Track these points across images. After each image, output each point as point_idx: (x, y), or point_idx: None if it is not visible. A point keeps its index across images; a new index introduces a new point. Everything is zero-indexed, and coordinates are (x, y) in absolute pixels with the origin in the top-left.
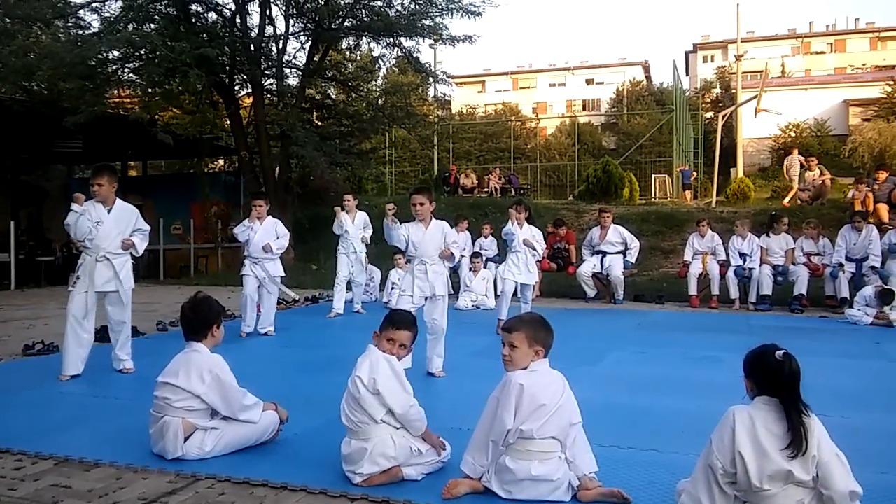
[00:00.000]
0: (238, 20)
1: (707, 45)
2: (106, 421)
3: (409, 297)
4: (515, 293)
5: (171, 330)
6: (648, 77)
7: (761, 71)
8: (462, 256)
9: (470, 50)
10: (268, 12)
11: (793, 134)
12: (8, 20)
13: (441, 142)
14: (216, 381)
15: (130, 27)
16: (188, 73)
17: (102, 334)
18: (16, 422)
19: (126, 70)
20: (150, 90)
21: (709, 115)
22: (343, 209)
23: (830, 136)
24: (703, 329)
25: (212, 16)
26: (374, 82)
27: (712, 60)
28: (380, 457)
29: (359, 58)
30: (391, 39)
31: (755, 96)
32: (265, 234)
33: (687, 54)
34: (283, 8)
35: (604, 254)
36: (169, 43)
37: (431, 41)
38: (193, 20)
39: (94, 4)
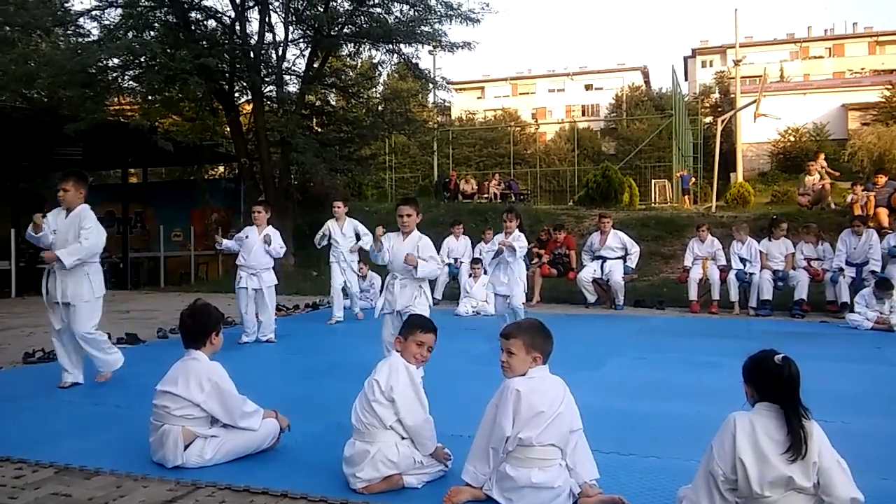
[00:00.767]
0: (237, 27)
1: (706, 50)
2: (106, 429)
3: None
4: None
5: (172, 337)
6: (647, 82)
7: (760, 76)
8: (461, 262)
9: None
10: (267, 19)
11: (792, 139)
12: (8, 28)
13: (441, 148)
14: (215, 389)
15: (130, 35)
16: (188, 81)
17: None
18: (16, 430)
19: (126, 77)
20: (150, 97)
21: (708, 119)
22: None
23: (829, 140)
24: (703, 334)
25: (211, 23)
26: (373, 89)
27: (711, 65)
28: (381, 462)
29: (358, 64)
30: (390, 46)
31: (754, 101)
32: (259, 241)
33: (686, 59)
34: (283, 15)
35: (604, 259)
36: (169, 50)
37: (431, 47)
38: (193, 27)
39: (93, 12)
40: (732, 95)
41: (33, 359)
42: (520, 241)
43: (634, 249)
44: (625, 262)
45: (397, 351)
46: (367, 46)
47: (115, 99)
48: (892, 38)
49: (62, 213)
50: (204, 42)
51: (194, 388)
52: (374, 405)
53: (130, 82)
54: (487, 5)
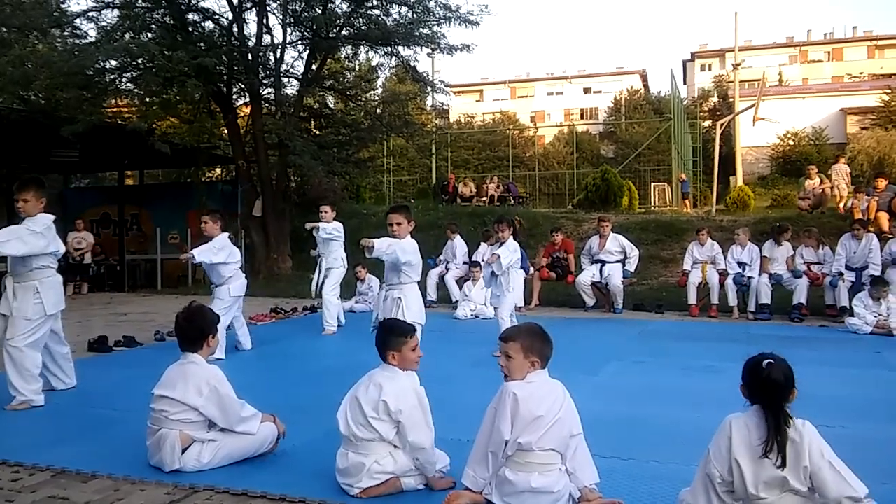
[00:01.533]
0: (235, 29)
1: (705, 54)
2: (103, 433)
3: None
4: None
5: (169, 340)
6: (646, 86)
7: (759, 79)
8: (451, 263)
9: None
10: (265, 21)
11: (791, 142)
12: (4, 29)
13: (439, 150)
14: (214, 394)
15: (127, 36)
16: (186, 83)
17: (99, 346)
18: (13, 433)
19: (123, 79)
20: (147, 99)
21: (707, 123)
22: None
23: (828, 144)
24: (702, 338)
25: (209, 25)
26: (371, 91)
27: (710, 69)
28: (378, 473)
29: (357, 67)
30: (389, 48)
31: (753, 105)
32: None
33: (684, 63)
34: (281, 17)
35: (603, 263)
36: (166, 52)
37: (429, 50)
38: (190, 29)
39: (90, 14)
40: (731, 99)
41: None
42: (507, 251)
43: (633, 253)
44: (624, 265)
45: (392, 365)
46: (366, 49)
47: (113, 101)
48: (892, 42)
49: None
50: (201, 44)
51: (193, 393)
52: (372, 421)
53: (128, 84)
54: (486, 8)
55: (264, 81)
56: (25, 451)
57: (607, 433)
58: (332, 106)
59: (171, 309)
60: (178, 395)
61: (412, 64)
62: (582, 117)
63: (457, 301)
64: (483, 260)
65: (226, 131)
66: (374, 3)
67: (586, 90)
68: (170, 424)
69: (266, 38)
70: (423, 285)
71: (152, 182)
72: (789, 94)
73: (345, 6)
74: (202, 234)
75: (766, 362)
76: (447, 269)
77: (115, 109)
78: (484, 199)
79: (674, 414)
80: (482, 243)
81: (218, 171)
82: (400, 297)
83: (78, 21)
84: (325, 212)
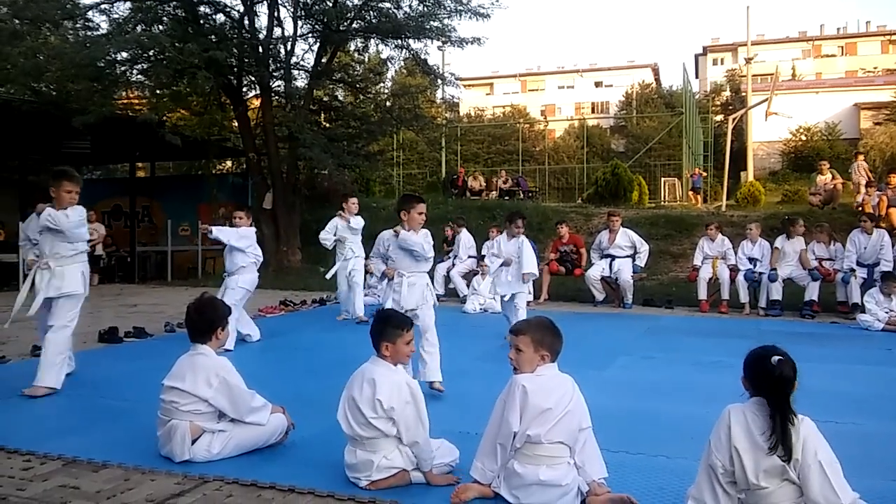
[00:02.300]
0: (246, 22)
1: (717, 48)
2: (114, 423)
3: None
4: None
5: (179, 331)
6: (658, 80)
7: (772, 74)
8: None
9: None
10: (276, 14)
11: (803, 138)
12: (17, 21)
13: (449, 144)
14: (224, 385)
15: (139, 28)
16: (196, 75)
17: (110, 336)
18: (24, 423)
19: (134, 71)
20: (158, 91)
21: (719, 118)
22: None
23: (841, 139)
24: (712, 334)
25: (220, 17)
26: (381, 84)
27: (722, 63)
28: (387, 468)
29: (367, 60)
30: (399, 41)
31: (765, 99)
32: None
33: (696, 57)
34: (292, 10)
35: (613, 257)
36: (177, 44)
37: (440, 43)
38: (202, 22)
39: (102, 6)
40: (743, 94)
41: (41, 352)
42: (529, 250)
43: (643, 248)
44: (634, 260)
45: (384, 356)
46: (376, 42)
47: (124, 93)
48: None
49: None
50: (212, 36)
51: (202, 384)
52: (373, 421)
53: (139, 76)
54: (497, 1)
55: (275, 74)
56: (37, 441)
57: (616, 428)
58: (342, 99)
59: (181, 300)
60: (188, 386)
61: (422, 57)
62: (593, 111)
63: (465, 295)
64: (492, 254)
65: (236, 124)
66: None
67: (597, 84)
68: (180, 415)
69: (277, 31)
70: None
71: (163, 174)
72: (802, 89)
73: None
74: (213, 225)
75: (776, 358)
76: (454, 264)
77: (125, 101)
78: (493, 192)
79: (683, 409)
80: (498, 237)
81: (228, 163)
82: (428, 283)
83: (90, 13)
84: (355, 203)
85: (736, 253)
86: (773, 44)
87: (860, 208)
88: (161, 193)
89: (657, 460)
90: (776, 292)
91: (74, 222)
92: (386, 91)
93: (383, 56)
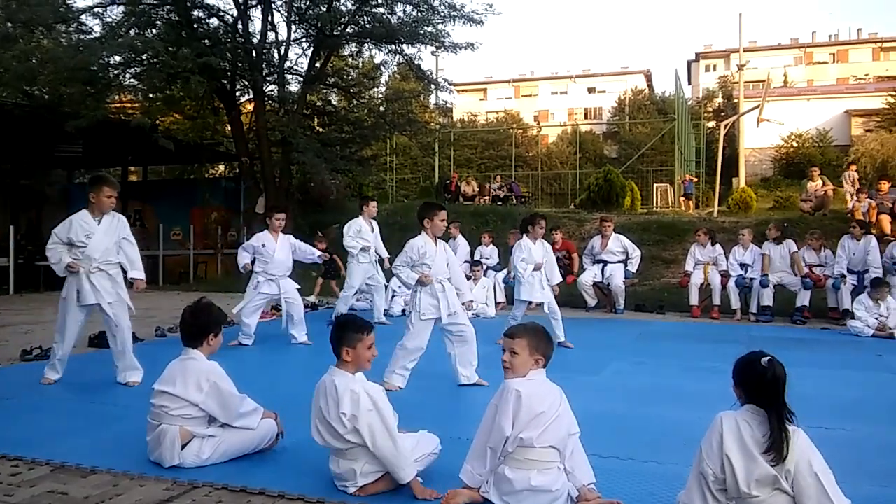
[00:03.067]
0: (240, 26)
1: (709, 55)
2: (103, 427)
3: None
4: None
5: (170, 336)
6: (650, 86)
7: (763, 81)
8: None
9: (472, 57)
10: (270, 18)
11: (795, 144)
12: (10, 24)
13: (442, 149)
14: (214, 389)
15: (132, 32)
16: (190, 79)
17: (100, 341)
18: (12, 427)
19: (127, 75)
20: (151, 95)
21: (711, 124)
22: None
23: (832, 146)
24: (703, 340)
25: (214, 21)
26: (375, 89)
27: (714, 70)
28: (372, 473)
29: (360, 65)
30: (393, 46)
31: (757, 106)
32: (284, 249)
33: (689, 63)
34: (286, 14)
35: (605, 263)
36: (171, 49)
37: (433, 48)
38: (195, 26)
39: (96, 9)
40: (736, 100)
41: (31, 356)
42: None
43: (635, 253)
44: (626, 266)
45: (345, 362)
46: (370, 46)
47: (117, 96)
48: None
49: (94, 219)
50: (206, 40)
51: (192, 389)
52: (346, 435)
53: (132, 80)
54: (491, 6)
55: (268, 78)
56: (25, 445)
57: (607, 433)
58: (335, 103)
59: (173, 305)
60: (178, 390)
61: (416, 62)
62: (586, 117)
63: None
64: (522, 259)
65: (229, 128)
66: (379, 1)
67: (590, 90)
68: (170, 420)
69: (270, 35)
70: None
71: (156, 178)
72: (794, 96)
73: (350, 4)
74: (204, 230)
75: (765, 360)
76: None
77: (118, 105)
78: (486, 198)
79: (674, 414)
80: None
81: (221, 167)
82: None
83: (83, 17)
84: (375, 206)
85: (727, 259)
86: (765, 51)
87: (850, 214)
88: (153, 197)
89: (647, 466)
90: (767, 298)
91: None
92: (379, 96)
93: (377, 61)
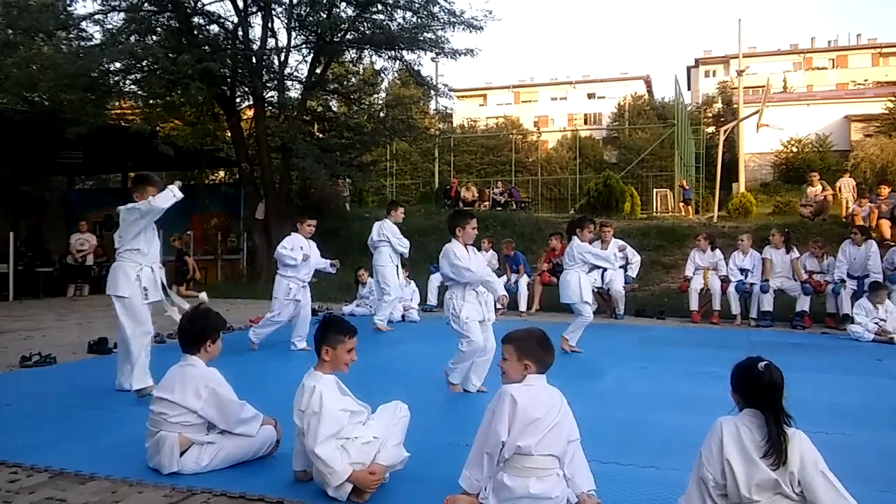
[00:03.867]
0: (240, 32)
1: (709, 60)
2: (102, 434)
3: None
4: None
5: (169, 342)
6: (650, 91)
7: (763, 86)
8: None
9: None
10: (270, 25)
11: (794, 149)
12: (10, 31)
13: (442, 155)
14: (213, 396)
15: (133, 39)
16: (190, 85)
17: (99, 347)
18: (11, 434)
19: (128, 82)
20: (151, 102)
21: (710, 129)
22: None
23: (832, 151)
24: (704, 345)
25: (214, 28)
26: (375, 95)
27: (714, 75)
28: (341, 471)
29: (360, 71)
30: (393, 52)
31: (757, 111)
32: (316, 254)
33: (689, 69)
34: (286, 21)
35: (605, 268)
36: (171, 55)
37: (433, 54)
38: (195, 32)
39: (96, 16)
40: (735, 105)
41: (30, 363)
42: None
43: (635, 259)
44: (626, 271)
45: (324, 362)
46: (370, 53)
47: (117, 103)
48: None
49: None
50: (206, 47)
51: (191, 395)
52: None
53: (132, 86)
54: (490, 13)
55: (268, 85)
56: (24, 452)
57: (607, 438)
58: (335, 109)
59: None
60: (177, 397)
61: (416, 68)
62: (585, 122)
63: None
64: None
65: (229, 134)
66: (379, 7)
67: (590, 95)
68: (169, 427)
69: (271, 42)
70: (423, 290)
71: None
72: (793, 101)
73: (350, 10)
74: (204, 236)
75: (762, 365)
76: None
77: (118, 112)
78: (486, 203)
79: (674, 420)
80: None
81: (221, 173)
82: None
83: (84, 24)
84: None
85: (727, 264)
86: (765, 56)
87: (850, 219)
88: None
89: (647, 471)
90: (767, 303)
91: None
92: (379, 102)
93: (377, 67)
